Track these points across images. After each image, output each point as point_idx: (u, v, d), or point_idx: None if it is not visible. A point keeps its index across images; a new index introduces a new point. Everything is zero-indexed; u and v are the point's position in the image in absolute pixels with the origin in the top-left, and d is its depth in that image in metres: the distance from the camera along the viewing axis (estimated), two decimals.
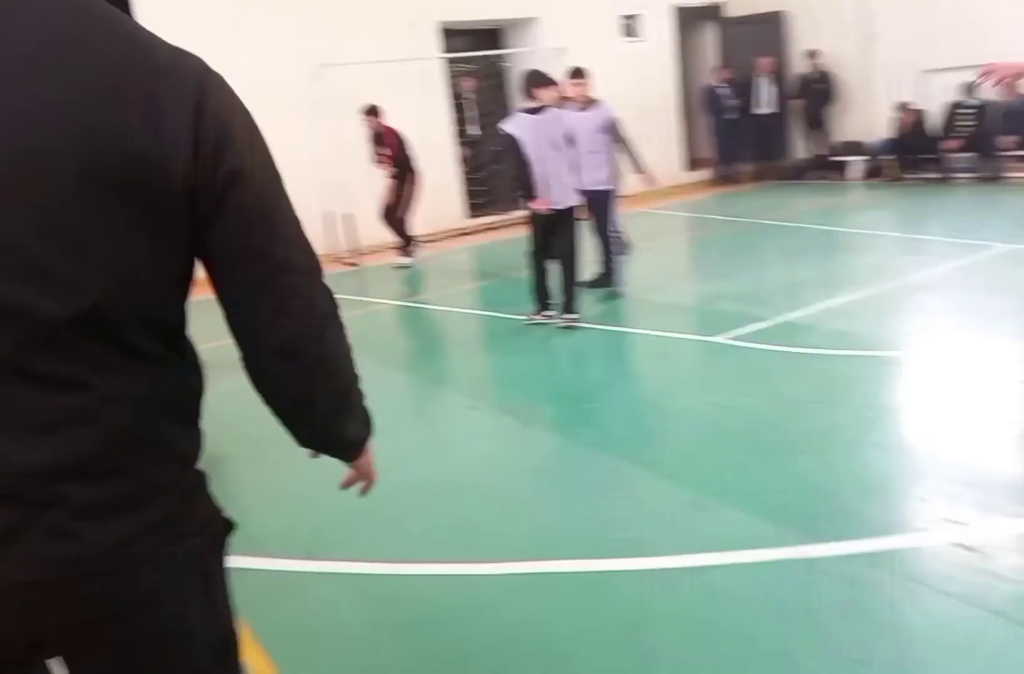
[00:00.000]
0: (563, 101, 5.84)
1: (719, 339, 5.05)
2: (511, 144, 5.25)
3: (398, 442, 4.02)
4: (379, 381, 5.04)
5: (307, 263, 1.08)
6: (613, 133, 6.10)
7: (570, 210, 5.42)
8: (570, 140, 5.43)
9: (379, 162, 8.18)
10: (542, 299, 5.68)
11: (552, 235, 5.42)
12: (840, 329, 5.02)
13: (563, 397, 4.53)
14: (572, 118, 5.67)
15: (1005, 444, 3.34)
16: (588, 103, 6.04)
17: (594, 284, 6.33)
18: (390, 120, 8.37)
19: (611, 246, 6.25)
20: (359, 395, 1.22)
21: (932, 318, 5.19)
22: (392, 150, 8.01)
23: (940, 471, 3.17)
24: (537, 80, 5.29)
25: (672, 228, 9.53)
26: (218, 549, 1.14)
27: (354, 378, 1.19)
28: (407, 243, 8.35)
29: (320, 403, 1.14)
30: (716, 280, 6.76)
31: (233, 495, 3.55)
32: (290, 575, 2.92)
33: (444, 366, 5.50)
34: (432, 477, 3.56)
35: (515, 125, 5.34)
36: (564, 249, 5.43)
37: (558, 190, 5.30)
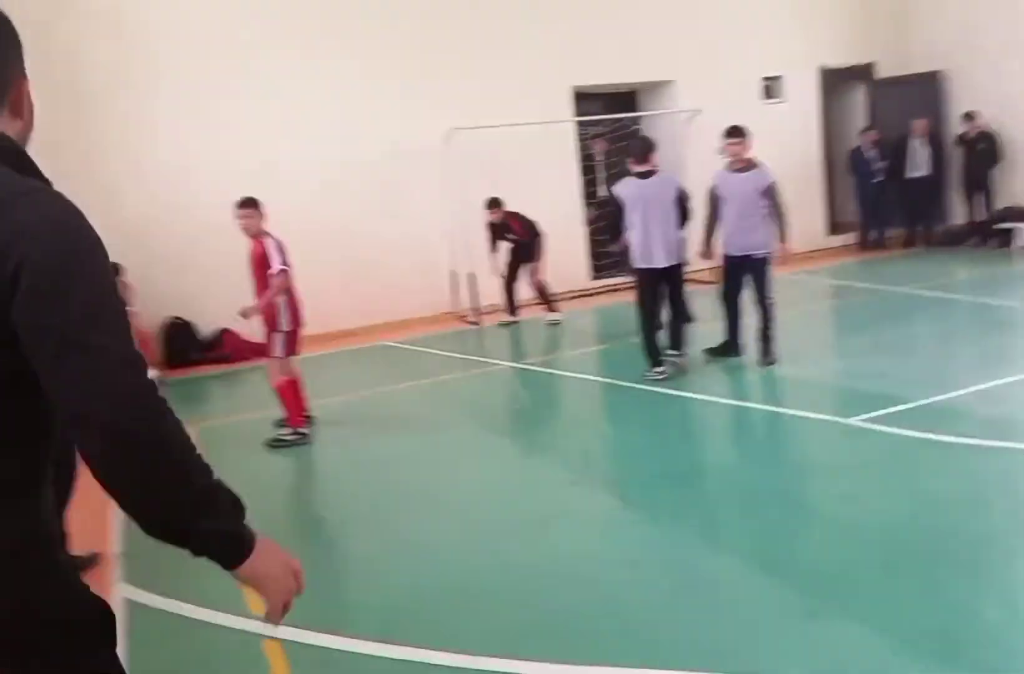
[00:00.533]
0: (742, 162, 5.72)
1: (854, 421, 4.58)
2: (616, 206, 5.61)
3: (490, 516, 3.83)
4: (480, 447, 4.92)
5: (106, 343, 1.09)
6: (770, 197, 5.73)
7: (674, 268, 5.62)
8: (683, 202, 5.57)
9: (506, 242, 8.46)
10: (654, 355, 5.68)
11: (657, 292, 5.68)
12: (995, 416, 4.44)
13: (672, 476, 4.20)
14: (723, 179, 5.74)
15: None
16: (746, 164, 5.75)
17: (722, 352, 6.02)
18: (520, 183, 8.52)
19: (768, 314, 5.84)
20: (202, 479, 1.16)
21: None
22: (519, 235, 8.32)
23: None
24: (645, 147, 5.59)
25: (811, 295, 9.01)
26: None
27: (187, 459, 1.15)
28: (551, 300, 8.53)
29: (143, 484, 1.10)
30: (856, 354, 6.25)
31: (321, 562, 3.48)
32: (360, 658, 2.75)
33: (551, 434, 5.29)
34: (520, 559, 3.33)
35: (623, 188, 5.62)
36: (674, 298, 5.76)
37: (662, 250, 5.51)
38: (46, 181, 1.24)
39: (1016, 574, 2.85)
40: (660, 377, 5.63)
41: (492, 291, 8.74)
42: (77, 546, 3.65)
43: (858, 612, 2.67)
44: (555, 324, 8.47)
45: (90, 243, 1.16)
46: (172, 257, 8.09)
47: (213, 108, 8.29)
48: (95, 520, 3.98)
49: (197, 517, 1.14)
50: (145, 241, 8.08)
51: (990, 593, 2.74)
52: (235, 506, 1.21)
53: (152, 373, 7.15)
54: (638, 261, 5.62)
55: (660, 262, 5.51)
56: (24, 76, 1.26)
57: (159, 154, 8.17)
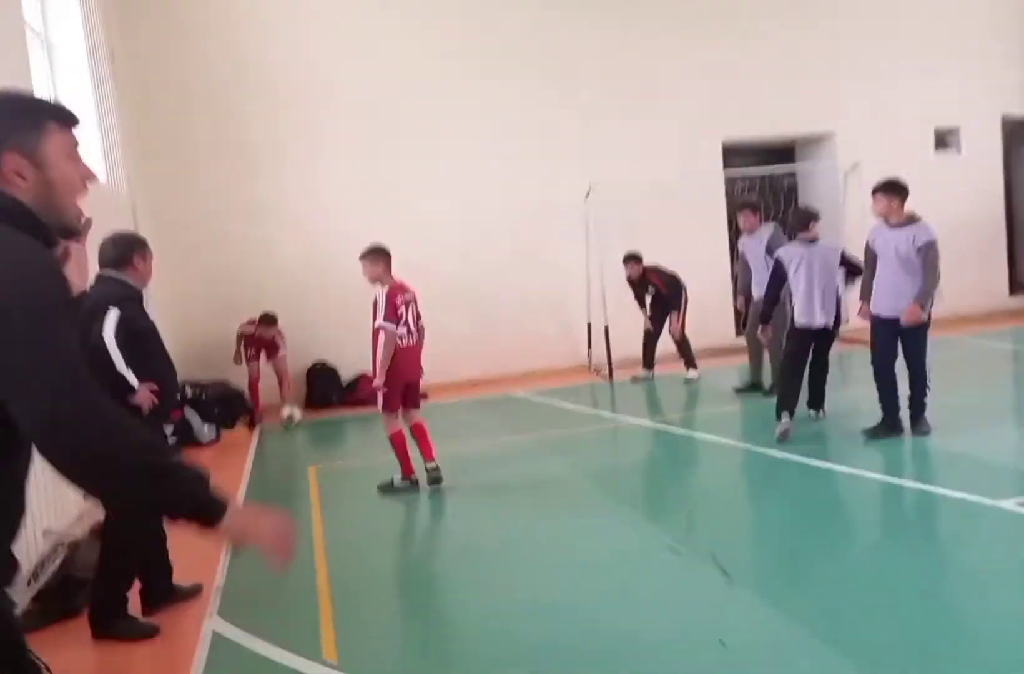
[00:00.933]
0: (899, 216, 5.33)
1: (1006, 504, 4.03)
2: (777, 268, 5.79)
3: (578, 578, 3.65)
4: (586, 507, 4.73)
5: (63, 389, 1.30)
6: (925, 255, 5.21)
7: (828, 329, 5.73)
8: (850, 265, 5.77)
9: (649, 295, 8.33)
10: (789, 406, 5.63)
11: (808, 350, 5.78)
12: None
13: (785, 554, 3.84)
14: (879, 235, 5.44)
15: None
16: (906, 219, 5.32)
17: (876, 434, 5.46)
18: (664, 238, 8.42)
19: (921, 384, 5.37)
20: (148, 456, 1.37)
21: None
22: (662, 288, 8.15)
23: None
24: (808, 216, 5.80)
25: (985, 361, 8.17)
26: None
27: (123, 442, 1.34)
28: (690, 356, 8.29)
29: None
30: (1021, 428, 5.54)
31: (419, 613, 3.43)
32: None
33: (662, 498, 5.01)
34: (604, 628, 3.13)
35: (786, 252, 5.80)
36: (821, 358, 5.89)
37: (820, 311, 5.62)
38: (43, 238, 1.43)
39: None
40: (785, 428, 5.56)
41: (629, 345, 8.57)
42: (181, 577, 3.84)
43: None
44: (691, 382, 8.17)
45: (34, 284, 1.34)
46: (322, 304, 8.58)
47: (371, 165, 8.82)
48: (201, 553, 4.17)
49: (154, 487, 1.36)
50: (299, 289, 8.64)
51: None
52: (198, 477, 1.42)
53: (290, 411, 7.53)
54: (798, 318, 5.70)
55: (820, 321, 5.65)
56: (14, 149, 1.43)
57: (316, 207, 8.76)
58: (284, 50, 8.61)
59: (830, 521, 4.28)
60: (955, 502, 4.20)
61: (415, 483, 5.22)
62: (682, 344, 8.27)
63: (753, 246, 7.09)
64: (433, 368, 8.79)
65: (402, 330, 5.01)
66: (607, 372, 8.71)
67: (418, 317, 5.14)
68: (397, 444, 5.19)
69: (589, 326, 9.10)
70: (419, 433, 5.23)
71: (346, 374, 8.65)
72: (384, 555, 4.34)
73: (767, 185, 9.95)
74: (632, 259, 8.16)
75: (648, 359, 8.48)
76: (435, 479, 5.20)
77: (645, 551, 3.98)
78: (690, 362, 8.27)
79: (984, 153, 10.46)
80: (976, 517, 4.01)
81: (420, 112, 8.90)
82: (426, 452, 5.23)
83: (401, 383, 5.10)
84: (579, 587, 3.57)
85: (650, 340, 8.44)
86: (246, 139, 8.56)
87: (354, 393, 8.40)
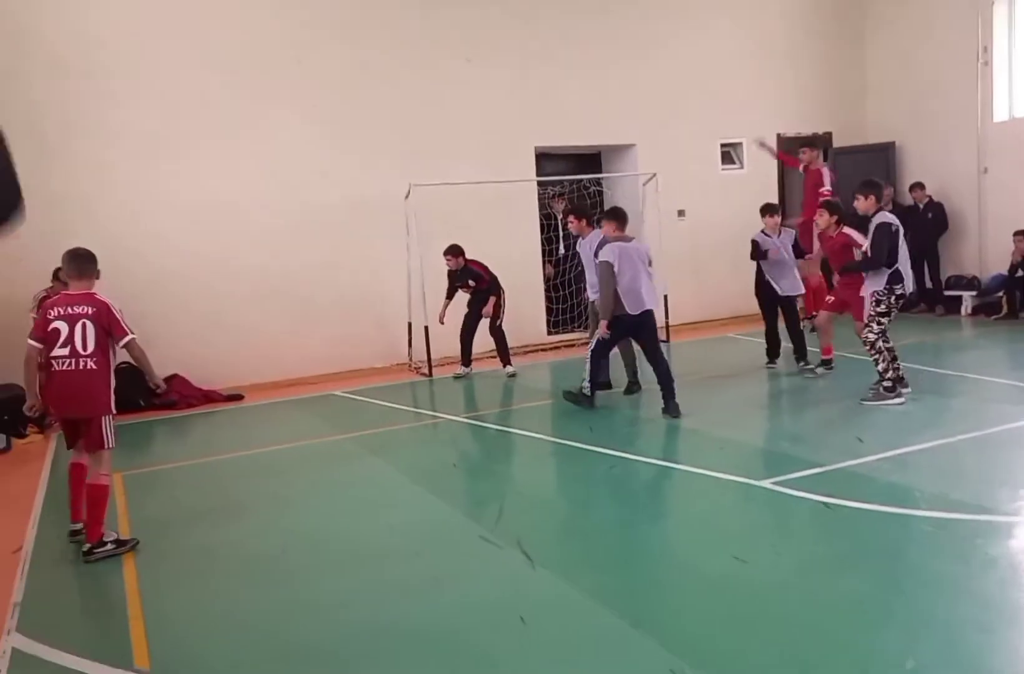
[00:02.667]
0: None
1: (765, 483, 4.67)
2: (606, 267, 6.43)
3: (391, 571, 3.86)
4: (403, 500, 4.95)
5: None
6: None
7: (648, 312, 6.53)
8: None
9: (470, 291, 8.62)
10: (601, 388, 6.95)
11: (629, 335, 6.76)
12: (898, 482, 4.55)
13: (578, 534, 4.25)
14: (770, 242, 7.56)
15: None
16: (783, 229, 7.79)
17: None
18: (480, 239, 8.75)
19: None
20: None
21: (1007, 475, 4.63)
22: (484, 278, 8.48)
23: (973, 666, 2.70)
24: (625, 216, 6.69)
25: (747, 357, 9.17)
26: None
27: None
28: (508, 354, 8.65)
29: None
30: (780, 417, 6.38)
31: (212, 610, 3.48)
32: None
33: (470, 487, 5.33)
34: (411, 618, 3.36)
35: (609, 252, 6.45)
36: (652, 345, 6.57)
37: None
38: None
39: (876, 641, 2.90)
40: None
41: (449, 343, 8.85)
42: None
43: (718, 670, 2.73)
44: (513, 376, 8.56)
45: None
46: (122, 302, 8.15)
47: (171, 154, 8.50)
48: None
49: None
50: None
51: (842, 658, 2.80)
52: None
53: None
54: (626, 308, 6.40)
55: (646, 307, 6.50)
56: None
57: (114, 199, 8.33)
58: (70, 30, 8.10)
59: (609, 501, 4.77)
60: (722, 481, 4.81)
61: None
62: (499, 341, 8.65)
63: (584, 250, 7.48)
64: (249, 368, 8.74)
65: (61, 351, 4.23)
66: (427, 370, 8.95)
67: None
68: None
69: (410, 325, 9.30)
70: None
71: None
72: (196, 559, 4.33)
73: (576, 190, 10.57)
74: (454, 251, 8.42)
75: (466, 357, 8.80)
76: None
77: (456, 541, 4.26)
78: (506, 359, 8.67)
79: (762, 167, 11.68)
80: (739, 493, 4.63)
81: (230, 100, 8.69)
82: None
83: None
84: (386, 577, 3.78)
85: (464, 337, 8.72)
86: (34, 122, 7.94)
87: (164, 395, 8.08)
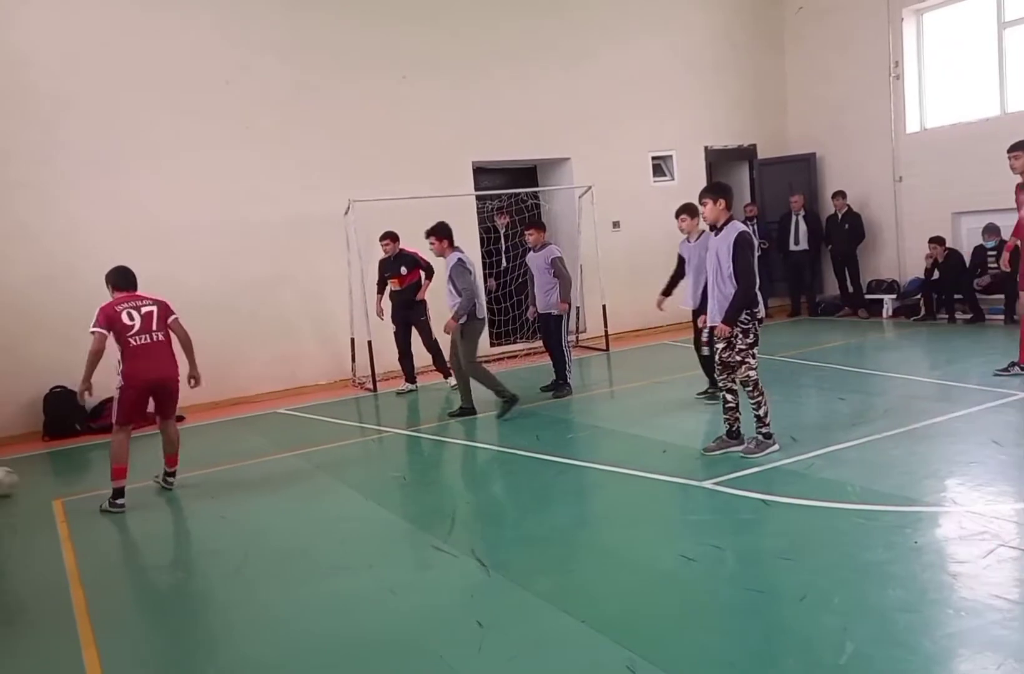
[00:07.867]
0: None
1: (705, 484, 4.86)
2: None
3: (345, 584, 3.90)
4: (354, 514, 4.98)
5: None
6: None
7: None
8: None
9: (399, 282, 8.59)
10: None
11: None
12: (830, 478, 4.78)
13: (529, 540, 4.35)
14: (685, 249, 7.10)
15: (993, 617, 3.04)
16: (700, 234, 6.79)
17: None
18: (421, 254, 8.81)
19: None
20: None
21: (930, 468, 4.91)
22: (422, 259, 8.52)
23: (905, 644, 2.89)
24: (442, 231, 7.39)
25: (685, 363, 9.43)
26: None
27: None
28: (447, 366, 8.63)
29: None
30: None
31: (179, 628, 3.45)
32: None
33: (421, 499, 5.38)
34: (367, 628, 3.40)
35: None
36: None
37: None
38: None
39: (818, 627, 3.07)
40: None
41: (392, 359, 8.87)
42: None
43: (670, 665, 2.85)
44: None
45: None
46: (58, 324, 8.00)
47: (107, 174, 8.38)
48: None
49: None
50: (29, 306, 8.00)
51: (790, 643, 2.96)
52: None
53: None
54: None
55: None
56: None
57: (51, 219, 8.17)
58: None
59: (557, 506, 4.88)
60: (663, 483, 4.98)
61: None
62: (436, 354, 8.68)
63: (538, 261, 7.82)
64: (191, 388, 8.59)
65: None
66: (371, 385, 8.95)
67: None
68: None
69: (352, 340, 9.29)
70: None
71: (90, 399, 8.11)
72: (146, 581, 4.28)
73: (514, 203, 10.74)
74: (390, 237, 8.48)
75: (409, 374, 8.82)
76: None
77: (410, 552, 4.32)
78: (446, 371, 8.72)
79: (692, 178, 12.04)
80: (680, 494, 4.80)
81: (166, 120, 8.61)
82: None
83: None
84: (341, 589, 3.82)
85: (401, 353, 8.69)
86: None
87: (99, 419, 7.92)
